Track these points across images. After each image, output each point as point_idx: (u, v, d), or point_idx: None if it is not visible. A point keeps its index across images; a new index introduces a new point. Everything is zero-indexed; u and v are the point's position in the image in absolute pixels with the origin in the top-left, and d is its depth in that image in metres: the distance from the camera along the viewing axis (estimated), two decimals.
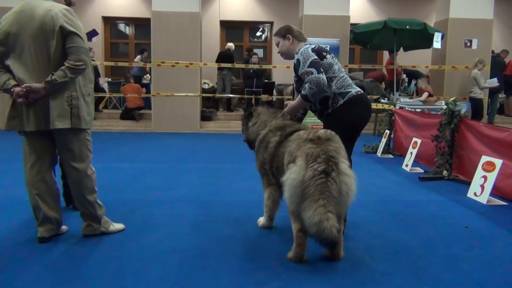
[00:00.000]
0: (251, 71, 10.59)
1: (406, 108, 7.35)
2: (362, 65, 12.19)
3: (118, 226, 3.26)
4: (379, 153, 6.92)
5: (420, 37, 9.35)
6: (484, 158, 4.46)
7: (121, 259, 2.77)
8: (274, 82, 12.13)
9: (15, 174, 4.32)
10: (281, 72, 11.26)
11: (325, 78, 3.05)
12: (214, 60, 10.79)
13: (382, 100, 9.18)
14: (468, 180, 4.70)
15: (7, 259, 2.76)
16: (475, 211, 3.97)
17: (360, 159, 6.20)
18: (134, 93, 10.17)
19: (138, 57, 11.12)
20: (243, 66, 10.72)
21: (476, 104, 9.31)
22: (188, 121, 9.80)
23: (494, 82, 9.58)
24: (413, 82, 10.23)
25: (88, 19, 12.09)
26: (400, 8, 12.88)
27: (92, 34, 10.33)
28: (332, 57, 3.24)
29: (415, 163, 5.89)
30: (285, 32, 3.35)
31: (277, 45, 3.44)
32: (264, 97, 11.09)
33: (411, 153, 5.89)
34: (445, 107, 5.53)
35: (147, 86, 11.02)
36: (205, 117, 10.34)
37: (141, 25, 12.81)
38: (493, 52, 10.69)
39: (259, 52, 12.86)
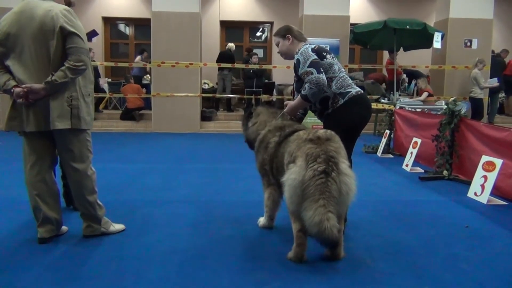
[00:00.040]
0: (251, 71, 10.59)
1: (406, 108, 7.34)
2: (362, 65, 12.17)
3: (118, 226, 3.26)
4: (379, 153, 6.92)
5: (420, 37, 9.34)
6: (484, 158, 4.46)
7: (121, 259, 2.77)
8: (274, 82, 12.13)
9: (15, 174, 4.31)
10: (281, 72, 11.26)
11: (325, 78, 3.05)
12: (214, 60, 10.78)
13: (382, 100, 9.17)
14: (468, 180, 4.70)
15: (7, 259, 2.76)
16: (475, 211, 3.97)
17: (360, 159, 6.19)
18: (134, 94, 10.17)
19: (138, 57, 11.12)
20: (243, 66, 10.71)
21: (476, 104, 9.30)
22: (188, 121, 9.80)
23: (494, 82, 9.58)
24: (413, 82, 10.22)
25: (88, 19, 12.07)
26: (400, 8, 12.87)
27: (92, 34, 10.31)
28: (332, 57, 3.24)
29: (415, 163, 5.89)
30: (285, 32, 3.35)
31: (277, 45, 3.44)
32: (264, 97, 11.09)
33: (411, 153, 5.89)
34: (445, 107, 5.53)
35: (147, 87, 11.02)
36: (205, 117, 10.33)
37: (141, 25, 12.80)
38: (493, 52, 10.68)
39: (259, 52, 12.86)
